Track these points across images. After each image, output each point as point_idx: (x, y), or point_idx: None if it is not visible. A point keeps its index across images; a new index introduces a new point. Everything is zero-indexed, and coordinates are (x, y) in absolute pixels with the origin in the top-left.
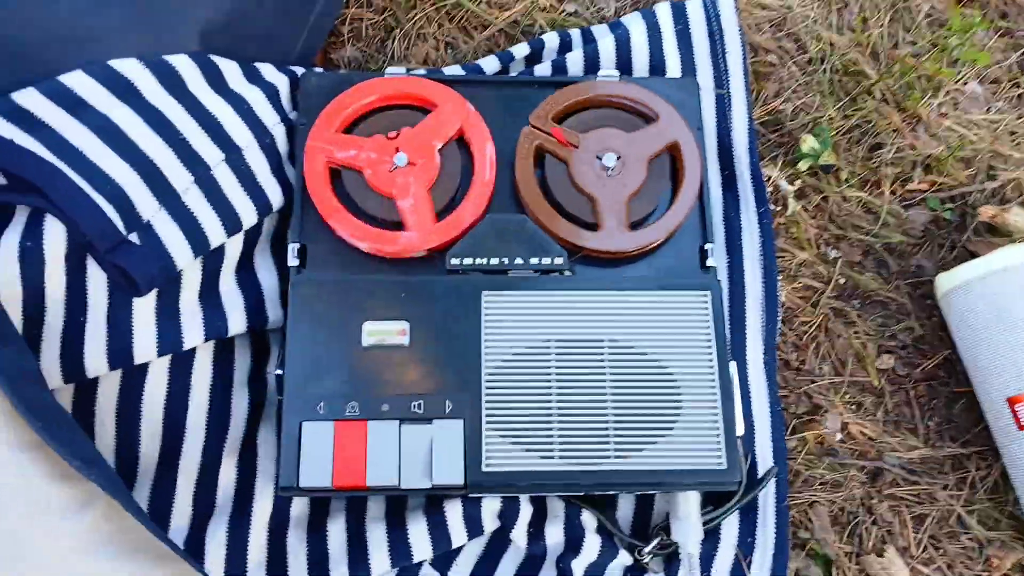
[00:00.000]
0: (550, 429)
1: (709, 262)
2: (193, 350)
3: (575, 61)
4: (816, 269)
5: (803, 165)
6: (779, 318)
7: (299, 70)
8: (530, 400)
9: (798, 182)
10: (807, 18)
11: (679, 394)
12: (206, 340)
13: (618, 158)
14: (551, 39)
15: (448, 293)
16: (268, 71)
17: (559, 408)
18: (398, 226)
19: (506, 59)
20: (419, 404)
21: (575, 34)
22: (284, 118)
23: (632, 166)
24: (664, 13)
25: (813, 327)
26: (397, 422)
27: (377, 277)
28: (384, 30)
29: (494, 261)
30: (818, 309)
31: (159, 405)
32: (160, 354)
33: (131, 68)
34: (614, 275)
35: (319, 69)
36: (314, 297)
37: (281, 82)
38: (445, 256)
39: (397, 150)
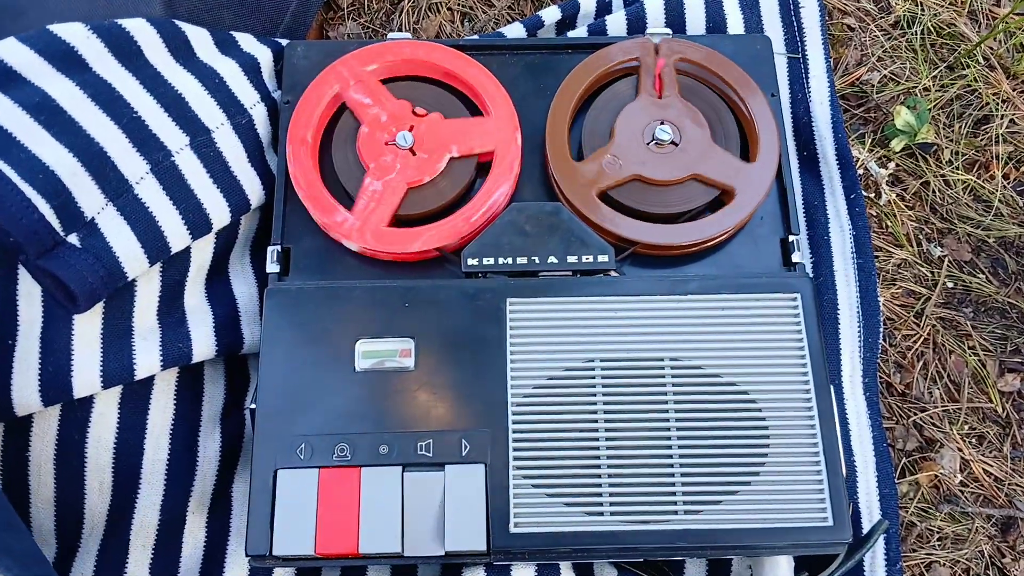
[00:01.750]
0: (598, 476)
1: (795, 257)
2: (150, 380)
3: (616, 24)
4: (918, 271)
5: (897, 144)
6: (881, 330)
7: (285, 42)
8: (571, 439)
9: (891, 165)
10: None
11: (765, 428)
12: (166, 367)
13: (675, 130)
14: (587, 1)
15: (463, 302)
16: (246, 41)
17: (609, 449)
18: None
19: (534, 25)
20: (427, 445)
21: None
22: (265, 96)
23: (692, 139)
24: None
25: (919, 342)
26: (399, 468)
27: (374, 283)
28: (390, 1)
29: (521, 261)
30: (923, 320)
31: (107, 449)
32: (107, 385)
33: (75, 34)
34: (673, 277)
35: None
36: (294, 309)
37: (262, 55)
38: (460, 256)
39: (411, 128)
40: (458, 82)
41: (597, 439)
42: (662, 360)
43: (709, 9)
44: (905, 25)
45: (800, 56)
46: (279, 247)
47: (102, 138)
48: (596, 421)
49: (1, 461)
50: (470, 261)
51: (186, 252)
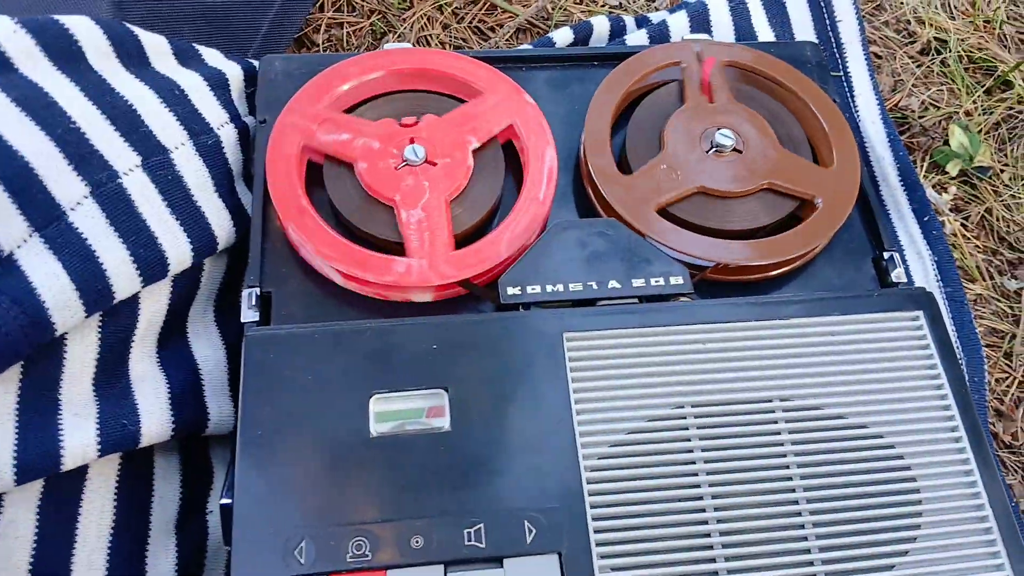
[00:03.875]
0: (711, 559)
1: (895, 276)
2: (82, 472)
3: (637, 42)
4: (996, 306)
5: (952, 168)
6: (985, 367)
7: (256, 62)
8: (669, 511)
9: (951, 190)
10: (904, 4)
11: (914, 480)
12: (104, 453)
13: (737, 136)
14: (600, 23)
15: (508, 339)
16: (212, 56)
17: (720, 522)
18: (397, 249)
19: (545, 47)
20: (477, 531)
21: (629, 20)
22: (235, 117)
23: (759, 145)
24: None
25: (1014, 385)
26: (441, 568)
27: (391, 322)
28: (372, 36)
29: (574, 287)
30: (1015, 360)
31: (22, 564)
32: (22, 479)
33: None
34: (756, 302)
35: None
36: (284, 359)
37: (231, 71)
38: (497, 286)
39: (412, 141)
40: (434, 80)
41: (703, 508)
42: (770, 401)
43: (737, 24)
44: (934, 51)
45: (842, 74)
46: (258, 290)
47: (28, 151)
48: (699, 486)
49: None
50: (510, 290)
51: (134, 301)
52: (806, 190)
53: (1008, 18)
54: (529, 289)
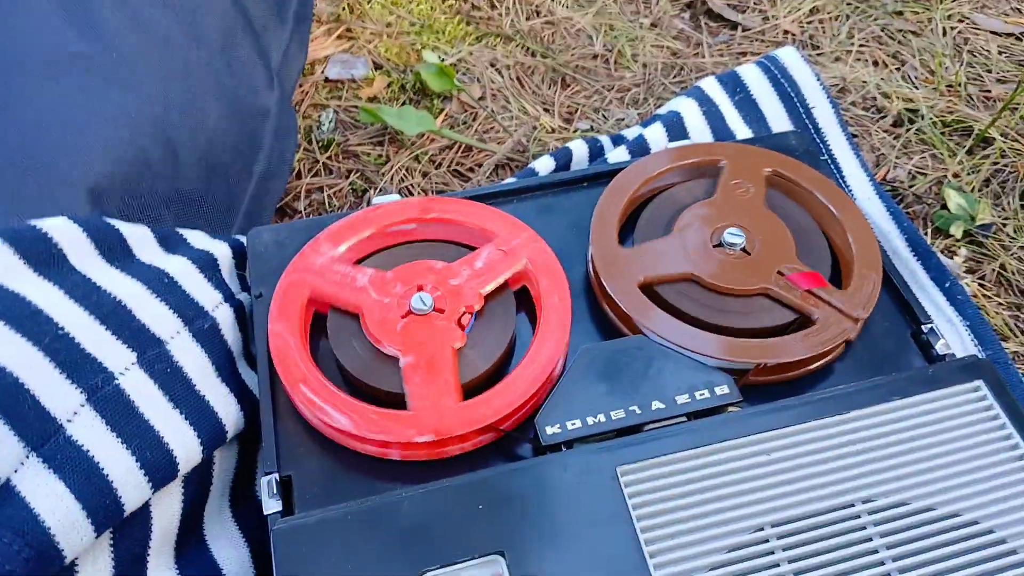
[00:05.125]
0: None
1: (940, 347)
2: None
3: (619, 159)
4: None
5: (956, 231)
6: None
7: (243, 238)
8: None
9: (962, 251)
10: (867, 83)
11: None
12: None
13: (750, 238)
14: (578, 147)
15: (559, 485)
16: (197, 238)
17: None
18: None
19: (527, 178)
20: None
21: (605, 140)
22: (229, 297)
23: (770, 253)
24: (712, 87)
25: None
26: None
27: (425, 488)
28: (353, 195)
29: (617, 415)
30: None
31: None
32: None
33: None
34: (810, 400)
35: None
36: (318, 550)
37: (219, 250)
38: (535, 427)
39: (420, 288)
40: (440, 227)
41: None
42: (852, 506)
43: (713, 127)
44: (907, 122)
45: (827, 158)
46: (276, 476)
47: (15, 366)
48: None
49: None
50: (549, 431)
51: (145, 511)
52: (804, 305)
53: (968, 79)
54: (570, 425)
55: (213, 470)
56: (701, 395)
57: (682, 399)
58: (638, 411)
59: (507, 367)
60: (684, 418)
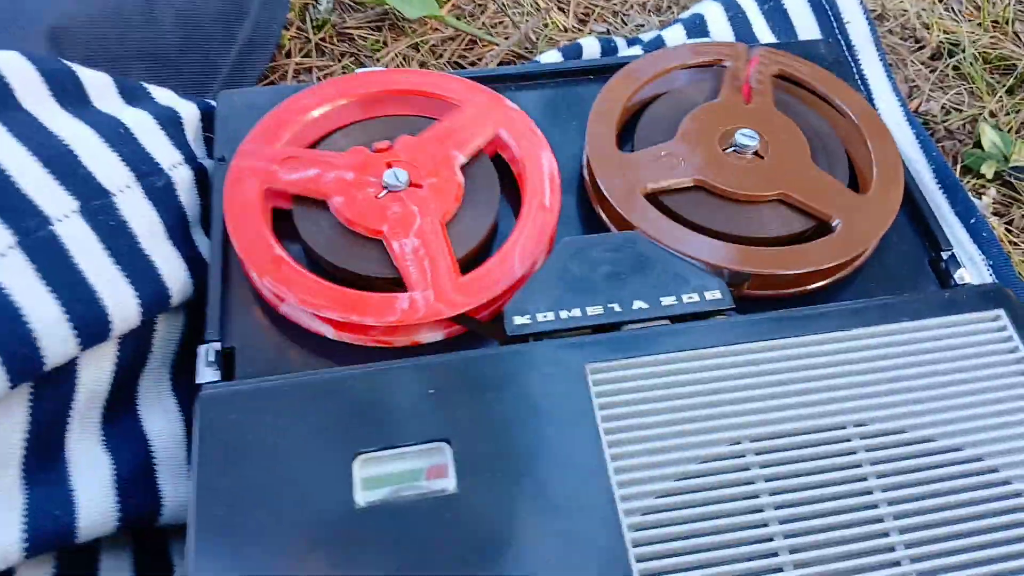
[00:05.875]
0: None
1: (959, 276)
2: None
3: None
4: None
5: (988, 170)
6: None
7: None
8: (738, 572)
9: (991, 192)
10: (907, 12)
11: None
12: (33, 554)
13: (763, 140)
14: (590, 44)
15: (520, 378)
16: (163, 95)
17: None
18: (394, 285)
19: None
20: None
21: (620, 41)
22: (191, 158)
23: (785, 154)
24: None
25: None
26: None
27: (373, 367)
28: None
29: (594, 311)
30: None
31: None
32: None
33: None
34: (811, 314)
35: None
36: (247, 420)
37: (186, 110)
38: (503, 317)
39: (390, 165)
40: (403, 103)
41: (781, 567)
42: (843, 428)
43: (738, 33)
44: (946, 55)
45: (858, 77)
46: (219, 345)
47: None
48: (772, 539)
49: None
50: (517, 320)
51: (70, 369)
52: (824, 209)
53: (1016, 16)
54: (540, 317)
55: (154, 337)
56: (689, 298)
57: (668, 301)
58: (617, 309)
59: (492, 246)
60: (667, 321)
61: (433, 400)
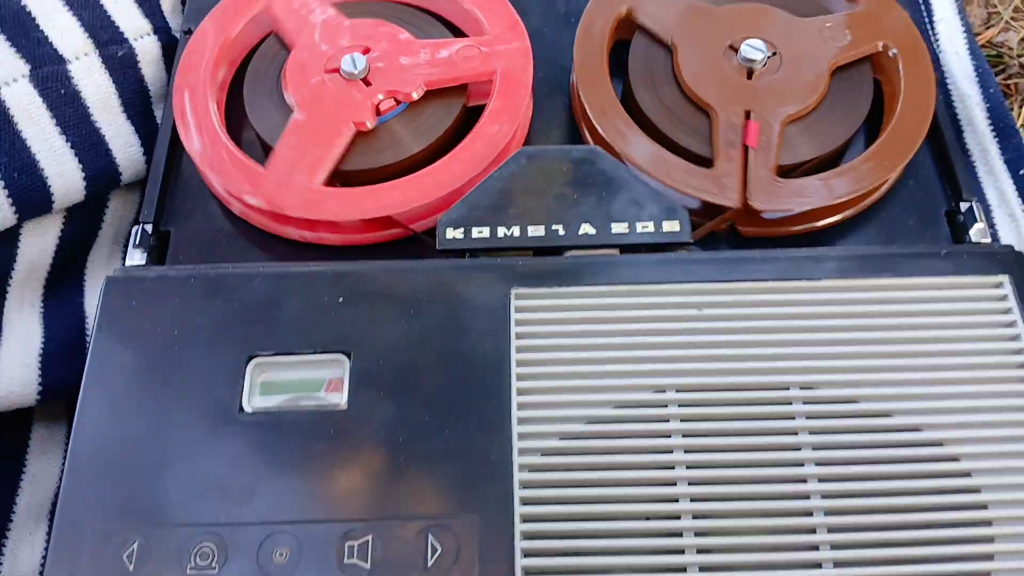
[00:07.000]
0: None
1: (975, 232)
2: None
3: None
4: None
5: None
6: None
7: None
8: (629, 532)
9: None
10: None
11: (984, 507)
12: None
13: (773, 53)
14: None
15: (438, 294)
16: None
17: (701, 535)
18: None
19: None
20: (363, 546)
21: None
22: (161, 30)
23: (795, 66)
24: None
25: None
26: None
27: (285, 267)
28: None
29: (535, 231)
30: None
31: None
32: None
33: None
34: (778, 257)
35: None
36: (146, 310)
37: None
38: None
39: (367, 51)
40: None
41: (680, 531)
42: (787, 389)
43: None
44: None
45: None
46: (150, 226)
47: None
48: (676, 499)
49: None
50: (449, 233)
51: (12, 238)
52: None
53: None
54: (475, 232)
55: (105, 214)
56: (644, 227)
57: (619, 228)
58: (561, 232)
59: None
60: (616, 251)
61: (342, 309)
